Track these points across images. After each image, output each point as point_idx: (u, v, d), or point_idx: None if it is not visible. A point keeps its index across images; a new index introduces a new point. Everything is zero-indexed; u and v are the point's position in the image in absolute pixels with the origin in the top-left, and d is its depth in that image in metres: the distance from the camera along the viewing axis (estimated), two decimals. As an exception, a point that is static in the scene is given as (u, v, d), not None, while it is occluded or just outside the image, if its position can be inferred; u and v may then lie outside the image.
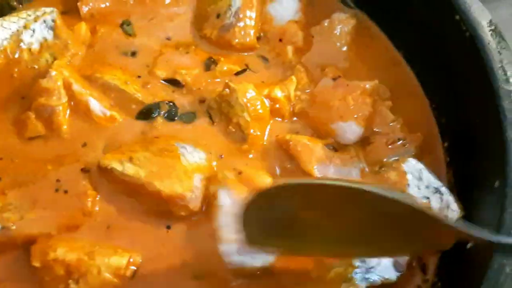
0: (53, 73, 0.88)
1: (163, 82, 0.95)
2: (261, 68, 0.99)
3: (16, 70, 0.92)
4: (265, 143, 0.90)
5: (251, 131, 0.89)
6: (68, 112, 0.89)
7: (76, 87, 0.89)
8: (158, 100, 0.92)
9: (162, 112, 0.91)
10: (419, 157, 0.88)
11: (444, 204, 0.82)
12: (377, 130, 0.92)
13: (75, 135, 0.88)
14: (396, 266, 0.78)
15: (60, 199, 0.81)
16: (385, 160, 0.90)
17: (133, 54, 0.98)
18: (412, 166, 0.85)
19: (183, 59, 0.97)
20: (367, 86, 0.91)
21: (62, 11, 0.98)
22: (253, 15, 1.00)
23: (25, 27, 0.92)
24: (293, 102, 0.93)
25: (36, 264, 0.76)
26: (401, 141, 0.91)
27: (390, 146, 0.91)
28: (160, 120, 0.90)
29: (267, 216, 0.67)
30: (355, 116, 0.90)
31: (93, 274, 0.76)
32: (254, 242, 0.72)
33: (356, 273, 0.78)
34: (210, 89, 0.94)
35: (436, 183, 0.84)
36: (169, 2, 1.04)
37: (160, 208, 0.81)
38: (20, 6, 1.04)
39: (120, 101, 0.91)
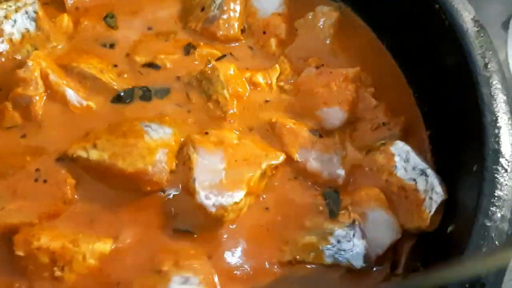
0: (30, 63, 0.87)
1: (141, 68, 0.95)
2: (247, 57, 0.99)
3: (-4, 60, 0.92)
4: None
5: (230, 109, 0.90)
6: (44, 101, 0.89)
7: (53, 77, 0.89)
8: (132, 86, 0.92)
9: (137, 97, 0.91)
10: (404, 139, 0.89)
11: (429, 186, 0.83)
12: (361, 116, 0.94)
13: (51, 124, 0.88)
14: (366, 257, 0.80)
15: (40, 189, 0.81)
16: (372, 144, 0.91)
17: (112, 45, 0.98)
18: (400, 148, 0.87)
19: (162, 45, 0.98)
20: (350, 73, 0.93)
21: (43, 2, 0.98)
22: (237, 8, 1.00)
23: (5, 17, 0.91)
24: (275, 90, 0.95)
25: (20, 253, 0.76)
26: (385, 125, 0.92)
27: (375, 131, 0.92)
28: (134, 105, 0.90)
29: None
30: (339, 101, 0.92)
31: (78, 260, 0.76)
32: None
33: (328, 248, 0.80)
34: (189, 69, 0.94)
35: (422, 164, 0.85)
36: (155, -5, 1.05)
37: (131, 187, 0.82)
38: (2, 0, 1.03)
39: (95, 89, 0.91)
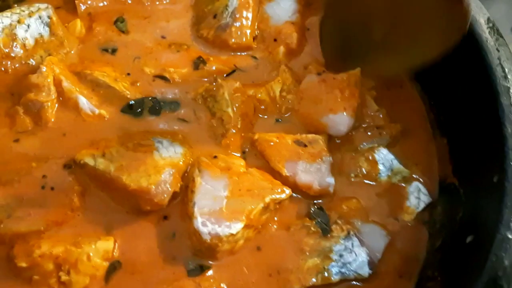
0: (44, 69, 0.87)
1: (152, 79, 0.94)
2: (251, 68, 0.98)
3: (9, 65, 0.91)
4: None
5: (232, 129, 0.88)
6: (56, 108, 0.89)
7: (66, 84, 0.89)
8: (144, 96, 0.92)
9: (147, 108, 0.90)
10: (392, 145, 0.91)
11: (414, 188, 0.87)
12: (362, 120, 0.93)
13: (62, 131, 0.87)
14: (370, 264, 0.80)
15: (47, 196, 0.80)
16: (360, 147, 0.90)
17: (123, 50, 0.97)
18: (384, 156, 0.89)
19: (172, 57, 0.97)
20: (352, 76, 0.91)
21: (56, 6, 0.98)
22: (250, 15, 0.99)
23: (19, 21, 0.91)
24: (279, 103, 0.93)
25: (22, 264, 0.75)
26: (378, 129, 0.92)
27: (366, 133, 0.92)
28: (144, 116, 0.90)
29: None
30: (345, 107, 0.90)
31: (84, 261, 0.75)
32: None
33: (332, 266, 0.79)
34: (196, 86, 0.93)
35: (406, 171, 0.88)
36: (167, 1, 1.04)
37: (132, 203, 0.80)
38: (15, 5, 1.03)
39: (108, 98, 0.91)
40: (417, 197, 0.87)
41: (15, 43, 0.91)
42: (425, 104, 0.97)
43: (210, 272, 0.78)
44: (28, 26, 0.92)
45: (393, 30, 0.85)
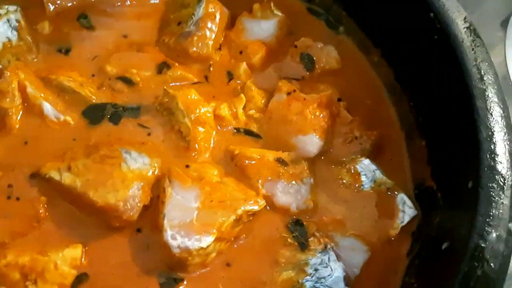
0: (8, 74, 0.85)
1: (116, 81, 0.92)
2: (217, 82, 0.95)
3: (-25, 70, 0.88)
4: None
5: (193, 139, 0.85)
6: (20, 114, 0.86)
7: (31, 90, 0.86)
8: (107, 101, 0.89)
9: (108, 114, 0.88)
10: (374, 155, 0.89)
11: (399, 200, 0.84)
12: (337, 131, 0.91)
13: (26, 138, 0.85)
14: (346, 280, 0.78)
15: (13, 207, 0.79)
16: (341, 159, 0.88)
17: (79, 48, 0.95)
18: (366, 167, 0.86)
19: (136, 58, 0.94)
20: (323, 97, 0.89)
21: (23, 6, 0.94)
22: (215, 27, 0.96)
23: (-15, 25, 0.88)
24: (241, 120, 0.90)
25: (-13, 275, 0.73)
26: (357, 140, 0.90)
27: (348, 145, 0.90)
28: (107, 123, 0.87)
29: None
30: (314, 128, 0.88)
31: (51, 269, 0.73)
32: None
33: (307, 280, 0.77)
34: (157, 93, 0.90)
35: (389, 183, 0.86)
36: (134, 2, 1.02)
37: (100, 218, 0.78)
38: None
39: (73, 103, 0.88)
40: (402, 210, 0.84)
41: (-19, 47, 0.88)
42: (405, 105, 0.95)
43: (182, 286, 0.76)
44: (-5, 29, 0.89)
45: None
